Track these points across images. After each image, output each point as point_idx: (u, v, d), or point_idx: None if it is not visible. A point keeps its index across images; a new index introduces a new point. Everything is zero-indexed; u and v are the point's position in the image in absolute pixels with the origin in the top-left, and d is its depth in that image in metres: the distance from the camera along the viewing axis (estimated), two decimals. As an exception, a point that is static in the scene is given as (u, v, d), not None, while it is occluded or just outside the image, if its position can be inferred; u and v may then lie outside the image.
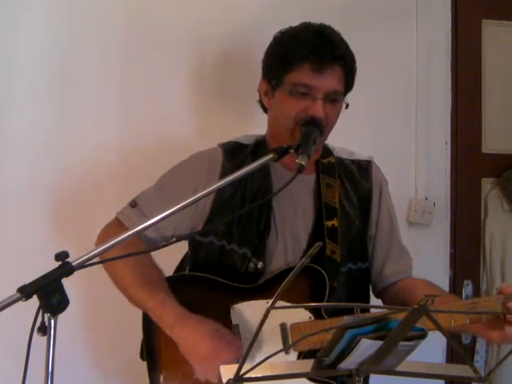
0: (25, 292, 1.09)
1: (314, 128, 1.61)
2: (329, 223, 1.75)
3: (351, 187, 1.83)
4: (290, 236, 1.75)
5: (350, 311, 1.59)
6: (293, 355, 1.60)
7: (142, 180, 1.81)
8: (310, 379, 1.44)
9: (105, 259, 1.32)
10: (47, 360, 1.13)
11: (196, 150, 1.85)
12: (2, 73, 2.21)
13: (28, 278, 1.13)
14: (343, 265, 1.75)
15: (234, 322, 1.65)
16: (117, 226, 1.75)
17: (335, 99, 1.69)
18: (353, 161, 1.88)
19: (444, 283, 2.50)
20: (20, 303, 1.10)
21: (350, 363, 1.18)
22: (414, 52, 2.58)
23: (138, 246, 1.68)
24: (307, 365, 1.21)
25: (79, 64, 2.26)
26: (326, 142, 1.83)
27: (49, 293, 1.11)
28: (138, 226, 1.30)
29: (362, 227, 1.82)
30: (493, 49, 2.69)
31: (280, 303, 1.10)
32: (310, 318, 1.64)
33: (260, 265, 1.71)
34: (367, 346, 1.14)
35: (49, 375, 1.13)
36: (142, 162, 2.23)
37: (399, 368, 1.22)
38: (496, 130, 2.70)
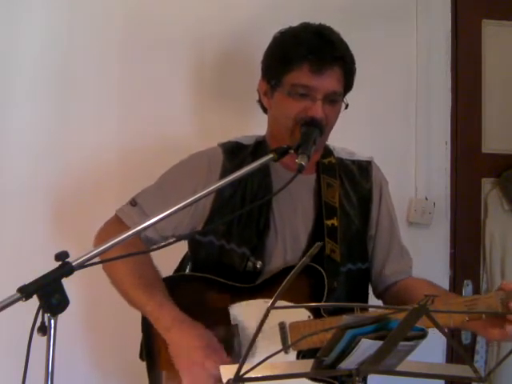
0: (25, 292, 1.09)
1: (314, 128, 1.62)
2: (328, 222, 1.75)
3: (351, 187, 1.83)
4: (290, 235, 1.75)
5: (350, 311, 1.58)
6: (292, 354, 1.60)
7: (142, 180, 1.81)
8: (311, 379, 1.44)
9: (105, 259, 1.32)
10: (47, 360, 1.13)
11: (196, 149, 1.85)
12: (2, 73, 2.20)
13: (28, 278, 1.13)
14: (343, 265, 1.75)
15: (232, 322, 1.66)
16: (116, 223, 1.75)
17: (335, 100, 1.69)
18: (353, 161, 1.88)
19: (444, 283, 2.49)
20: (20, 303, 1.10)
21: (349, 363, 1.18)
22: (413, 52, 2.58)
23: (137, 245, 1.69)
24: (307, 365, 1.20)
25: (79, 64, 2.26)
26: (327, 142, 1.83)
27: (49, 293, 1.11)
28: (139, 225, 1.30)
29: (361, 227, 1.82)
30: (493, 49, 2.69)
31: (279, 303, 1.10)
32: (309, 317, 1.64)
33: (259, 264, 1.71)
34: (367, 346, 1.14)
35: (49, 375, 1.13)
36: (142, 161, 2.23)
37: (399, 368, 1.22)
38: (496, 130, 2.70)
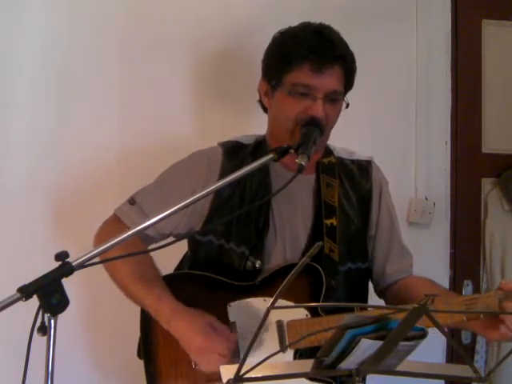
0: (25, 292, 1.09)
1: (315, 128, 1.61)
2: (328, 222, 1.76)
3: (351, 187, 1.83)
4: (289, 235, 1.75)
5: (350, 310, 1.59)
6: (289, 353, 1.61)
7: (142, 180, 1.81)
8: (309, 379, 1.44)
9: (105, 259, 1.32)
10: (47, 360, 1.13)
11: (196, 149, 1.85)
12: (2, 73, 2.21)
13: (28, 278, 1.13)
14: (342, 264, 1.75)
15: (231, 320, 1.66)
16: (115, 223, 1.75)
17: (335, 99, 1.69)
18: (353, 161, 1.88)
19: (444, 283, 2.49)
20: (20, 303, 1.10)
21: (349, 363, 1.18)
22: (413, 52, 2.58)
23: (137, 245, 1.69)
24: (307, 365, 1.21)
25: (79, 64, 2.26)
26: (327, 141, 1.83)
27: (49, 293, 1.11)
28: (138, 224, 1.30)
29: (361, 227, 1.82)
30: (493, 49, 2.69)
31: (278, 301, 1.10)
32: (307, 315, 1.64)
33: (258, 263, 1.71)
34: (367, 346, 1.14)
35: (49, 375, 1.13)
36: (142, 161, 2.23)
37: (399, 368, 1.22)
38: (496, 130, 2.70)
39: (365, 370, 1.20)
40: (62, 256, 1.15)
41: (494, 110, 2.69)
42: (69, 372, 1.97)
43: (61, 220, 2.23)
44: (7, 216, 2.20)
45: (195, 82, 2.35)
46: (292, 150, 1.49)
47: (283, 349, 1.58)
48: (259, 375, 1.15)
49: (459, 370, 1.26)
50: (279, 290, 1.08)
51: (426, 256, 2.45)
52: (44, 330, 1.12)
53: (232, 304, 1.67)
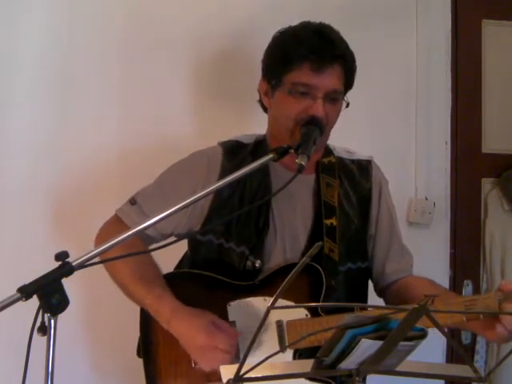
0: (25, 292, 1.09)
1: (315, 128, 1.61)
2: (327, 221, 1.76)
3: (351, 187, 1.83)
4: (289, 235, 1.75)
5: (349, 310, 1.59)
6: (288, 353, 1.61)
7: (142, 180, 1.82)
8: (309, 379, 1.44)
9: (105, 259, 1.32)
10: (47, 360, 1.13)
11: (196, 149, 1.85)
12: (2, 73, 2.21)
13: (28, 278, 1.13)
14: (341, 264, 1.75)
15: (230, 319, 1.66)
16: (116, 223, 1.76)
17: (335, 98, 1.69)
18: (353, 160, 1.88)
19: (444, 283, 2.49)
20: (20, 303, 1.10)
21: (349, 363, 1.18)
22: (413, 52, 2.58)
23: (137, 245, 1.69)
24: (307, 365, 1.20)
25: (79, 64, 2.26)
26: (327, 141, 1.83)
27: (49, 293, 1.11)
28: (138, 224, 1.30)
29: (361, 227, 1.82)
30: (493, 49, 2.69)
31: (278, 301, 1.10)
32: (307, 315, 1.64)
33: (258, 263, 1.71)
34: (367, 346, 1.14)
35: (49, 375, 1.13)
36: (142, 161, 2.23)
37: (399, 368, 1.22)
38: (496, 130, 2.70)
39: (365, 370, 1.20)
40: (62, 256, 1.15)
41: (494, 110, 2.69)
42: (69, 372, 1.97)
43: (61, 220, 2.23)
44: (7, 216, 2.20)
45: (195, 82, 2.35)
46: (292, 150, 1.49)
47: (283, 349, 1.58)
48: (259, 375, 1.15)
49: (459, 370, 1.26)
50: (279, 289, 1.08)
51: (426, 256, 2.45)
52: (44, 329, 1.12)
53: (232, 303, 1.67)
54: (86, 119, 2.26)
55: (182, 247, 1.84)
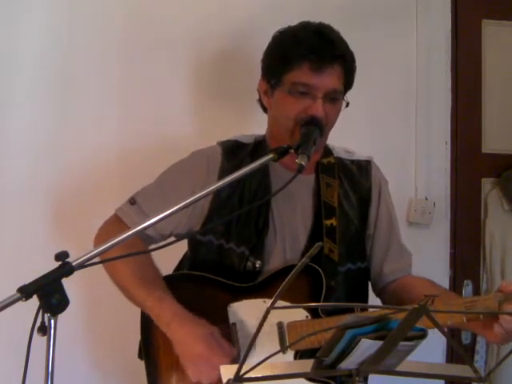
0: (25, 292, 1.09)
1: (314, 128, 1.61)
2: (327, 222, 1.75)
3: (350, 187, 1.83)
4: (289, 235, 1.75)
5: (350, 310, 1.59)
6: (289, 354, 1.60)
7: (142, 180, 1.82)
8: (309, 379, 1.44)
9: (105, 259, 1.32)
10: (47, 360, 1.13)
11: (196, 149, 1.85)
12: (2, 73, 2.21)
13: (28, 278, 1.13)
14: (341, 264, 1.75)
15: (231, 321, 1.66)
16: (116, 223, 1.75)
17: (335, 98, 1.69)
18: (352, 161, 1.88)
19: (444, 283, 2.49)
20: (20, 303, 1.10)
21: (350, 363, 1.18)
22: (413, 52, 2.58)
23: (137, 245, 1.69)
24: (307, 365, 1.20)
25: (79, 64, 2.26)
26: (326, 141, 1.83)
27: (49, 293, 1.11)
28: (138, 224, 1.30)
29: (360, 227, 1.82)
30: (493, 49, 2.69)
31: (278, 302, 1.10)
32: (307, 316, 1.64)
33: (258, 264, 1.71)
34: (367, 346, 1.14)
35: (49, 375, 1.13)
36: (142, 161, 2.23)
37: (399, 368, 1.22)
38: (496, 130, 2.70)
39: (365, 370, 1.20)
40: (62, 256, 1.15)
41: (494, 110, 2.69)
42: (69, 372, 1.97)
43: (61, 220, 2.23)
44: (7, 216, 2.20)
45: (195, 82, 2.35)
46: (292, 150, 1.49)
47: (283, 349, 1.58)
48: (259, 375, 1.15)
49: (459, 370, 1.26)
50: (279, 290, 1.08)
51: (426, 256, 2.45)
52: (44, 330, 1.12)
53: (232, 305, 1.67)
54: (85, 119, 2.26)
55: (182, 248, 1.84)
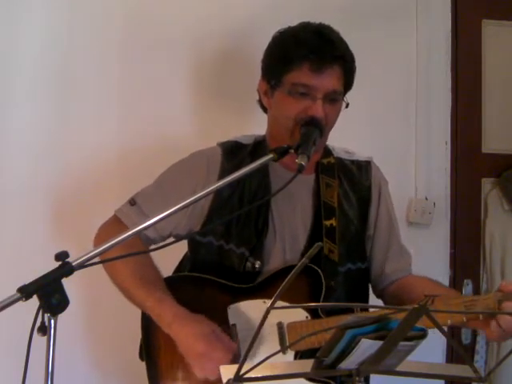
0: (25, 292, 1.09)
1: (314, 128, 1.61)
2: (327, 222, 1.75)
3: (350, 187, 1.83)
4: (289, 235, 1.75)
5: (349, 311, 1.58)
6: (290, 354, 1.60)
7: (142, 180, 1.82)
8: (309, 379, 1.44)
9: (105, 259, 1.32)
10: (47, 360, 1.13)
11: (196, 149, 1.85)
12: (2, 73, 2.21)
13: (28, 278, 1.13)
14: (341, 265, 1.75)
15: (231, 322, 1.66)
16: (116, 223, 1.75)
17: (335, 99, 1.69)
18: (352, 161, 1.88)
19: (444, 283, 2.48)
20: (20, 303, 1.10)
21: (350, 363, 1.18)
22: (414, 52, 2.58)
23: (137, 245, 1.69)
24: (307, 365, 1.21)
25: (79, 64, 2.26)
26: (326, 142, 1.83)
27: (49, 293, 1.11)
28: (138, 225, 1.30)
29: (360, 227, 1.82)
30: (493, 49, 2.69)
31: (278, 303, 1.10)
32: (307, 317, 1.64)
33: (258, 264, 1.71)
34: (367, 346, 1.14)
35: (49, 375, 1.13)
36: (142, 161, 2.23)
37: (399, 368, 1.22)
38: (496, 130, 2.70)
39: (365, 370, 1.20)
40: (62, 256, 1.15)
41: (494, 110, 2.69)
42: (69, 372, 1.97)
43: (61, 220, 2.23)
44: (7, 216, 2.20)
45: (195, 82, 2.35)
46: (292, 150, 1.49)
47: (283, 349, 1.58)
48: (259, 375, 1.15)
49: (459, 370, 1.26)
50: (278, 290, 1.08)
51: (426, 256, 2.46)
52: (44, 330, 1.12)
53: (232, 306, 1.67)
54: (86, 119, 2.26)
55: (182, 248, 1.84)
